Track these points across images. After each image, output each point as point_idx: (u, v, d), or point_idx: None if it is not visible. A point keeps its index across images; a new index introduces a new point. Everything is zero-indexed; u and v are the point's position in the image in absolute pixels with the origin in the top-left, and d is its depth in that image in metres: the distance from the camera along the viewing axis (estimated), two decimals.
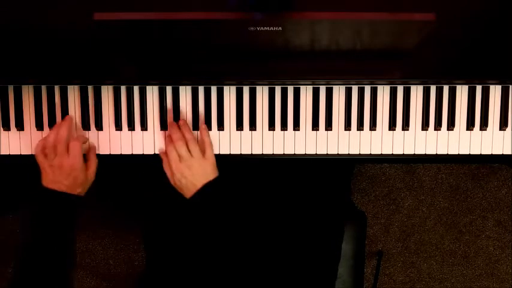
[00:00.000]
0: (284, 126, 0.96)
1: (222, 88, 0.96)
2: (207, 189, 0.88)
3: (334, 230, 1.05)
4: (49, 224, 0.84)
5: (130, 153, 0.96)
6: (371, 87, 0.96)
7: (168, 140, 0.92)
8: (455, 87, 0.97)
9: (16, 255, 0.84)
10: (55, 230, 0.84)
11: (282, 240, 0.97)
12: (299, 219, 1.01)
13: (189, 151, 0.90)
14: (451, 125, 0.97)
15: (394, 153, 0.98)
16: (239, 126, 0.96)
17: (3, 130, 0.96)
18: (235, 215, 0.89)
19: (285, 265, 0.94)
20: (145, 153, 0.97)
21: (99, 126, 0.96)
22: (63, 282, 0.84)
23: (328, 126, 0.97)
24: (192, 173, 0.88)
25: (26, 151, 0.96)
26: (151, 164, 0.96)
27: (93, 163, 0.92)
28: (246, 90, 0.96)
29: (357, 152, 0.97)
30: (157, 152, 0.96)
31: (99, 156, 0.95)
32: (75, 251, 0.90)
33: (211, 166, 0.90)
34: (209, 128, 0.96)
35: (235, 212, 0.89)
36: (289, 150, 0.97)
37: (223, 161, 0.95)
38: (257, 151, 0.97)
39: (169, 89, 0.96)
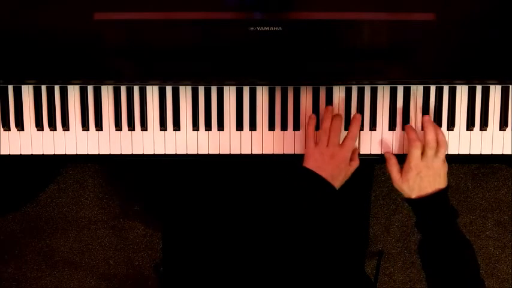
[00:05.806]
0: (284, 127, 0.96)
1: (222, 88, 0.96)
2: (439, 198, 0.88)
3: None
4: (307, 204, 0.87)
5: (130, 153, 0.97)
6: (371, 87, 0.96)
7: (414, 138, 0.91)
8: (455, 87, 0.97)
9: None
10: (311, 211, 0.87)
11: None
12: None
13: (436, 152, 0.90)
14: (451, 125, 0.97)
15: (394, 153, 0.98)
16: (239, 126, 0.96)
17: (3, 130, 0.96)
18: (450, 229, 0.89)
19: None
20: (145, 153, 0.97)
21: (99, 126, 0.96)
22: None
23: None
24: (427, 174, 0.88)
25: (26, 151, 0.96)
26: (157, 164, 0.96)
27: (355, 162, 0.93)
28: (246, 90, 0.96)
29: None
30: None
31: (99, 156, 0.96)
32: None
33: (444, 172, 0.90)
34: (209, 128, 0.96)
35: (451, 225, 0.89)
36: (289, 150, 0.98)
37: (224, 161, 0.95)
38: (257, 151, 0.97)
39: (169, 89, 0.96)
